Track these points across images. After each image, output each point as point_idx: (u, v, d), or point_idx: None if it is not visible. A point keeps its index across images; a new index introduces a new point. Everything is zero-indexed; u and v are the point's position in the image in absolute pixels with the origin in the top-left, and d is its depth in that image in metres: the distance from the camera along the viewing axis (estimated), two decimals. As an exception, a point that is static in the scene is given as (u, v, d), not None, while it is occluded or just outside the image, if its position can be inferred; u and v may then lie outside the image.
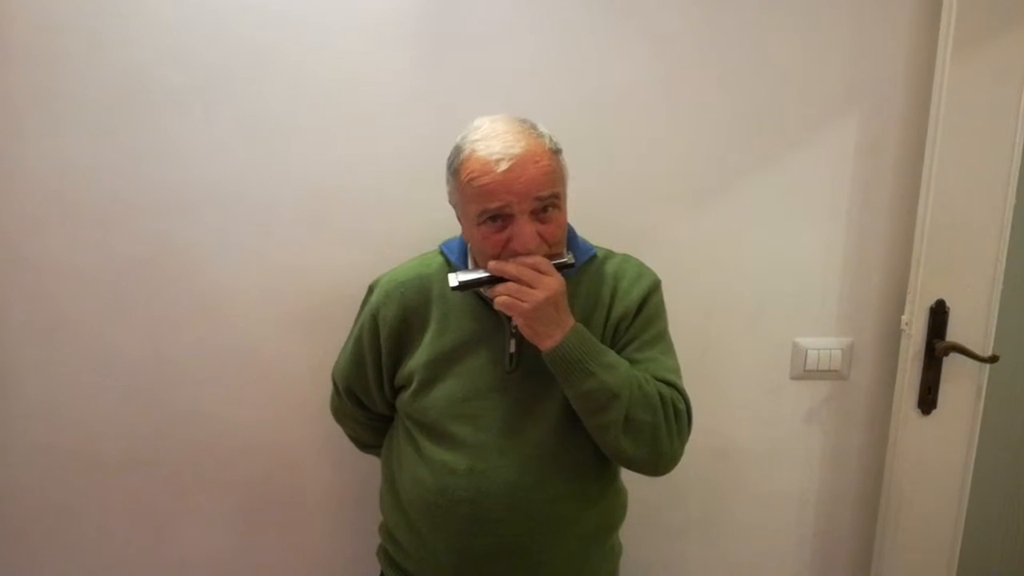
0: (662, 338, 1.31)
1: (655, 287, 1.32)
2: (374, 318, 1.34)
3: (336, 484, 1.68)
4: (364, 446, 1.54)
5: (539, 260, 1.16)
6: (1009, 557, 1.82)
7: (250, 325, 1.59)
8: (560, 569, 1.29)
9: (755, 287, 1.66)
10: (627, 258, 1.36)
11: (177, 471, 1.65)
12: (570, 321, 1.17)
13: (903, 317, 1.63)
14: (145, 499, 1.66)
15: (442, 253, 1.36)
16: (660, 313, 1.32)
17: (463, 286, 1.19)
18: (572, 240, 1.32)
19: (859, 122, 1.59)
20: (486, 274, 1.18)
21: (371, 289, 1.38)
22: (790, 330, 1.68)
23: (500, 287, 1.16)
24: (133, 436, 1.62)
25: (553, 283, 1.14)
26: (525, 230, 1.15)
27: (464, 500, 1.24)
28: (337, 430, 1.54)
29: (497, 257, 1.18)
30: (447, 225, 1.34)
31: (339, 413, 1.50)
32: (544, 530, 1.26)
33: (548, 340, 1.16)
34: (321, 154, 1.53)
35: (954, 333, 1.58)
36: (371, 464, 1.58)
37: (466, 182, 1.17)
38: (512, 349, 1.26)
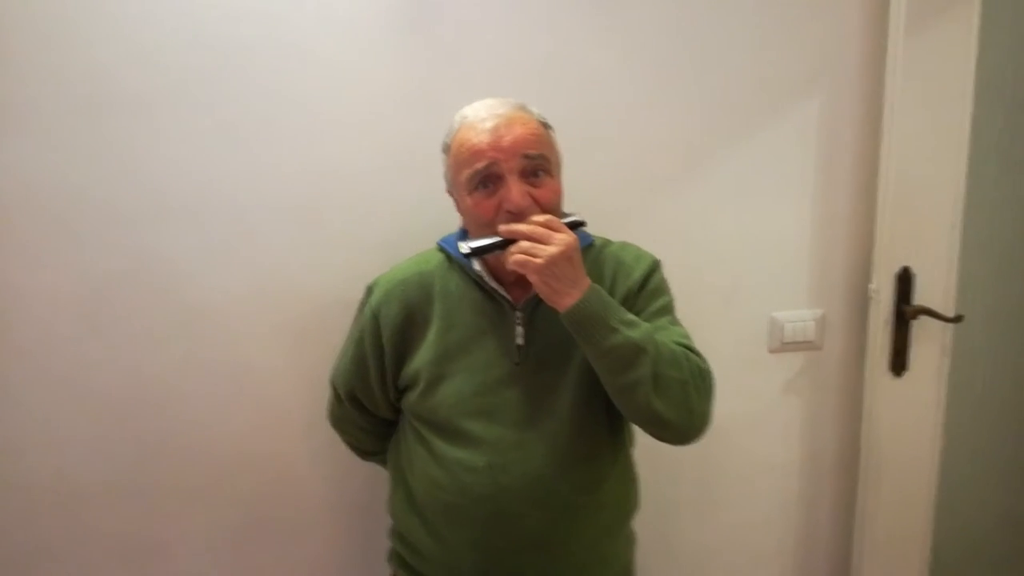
0: (669, 310, 1.31)
1: (656, 266, 1.34)
2: (375, 319, 1.32)
3: (336, 493, 1.65)
4: (365, 453, 1.52)
5: (551, 218, 1.15)
6: (981, 504, 1.92)
7: (237, 336, 1.55)
8: (582, 559, 1.30)
9: (730, 266, 1.71)
10: (625, 244, 1.38)
11: (165, 496, 1.59)
12: (587, 280, 1.15)
13: (871, 285, 1.71)
14: (131, 530, 1.59)
15: (441, 249, 1.35)
16: (664, 289, 1.33)
17: (475, 252, 1.18)
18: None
19: (820, 102, 1.65)
20: (498, 238, 1.16)
21: (370, 290, 1.36)
22: (766, 305, 1.74)
23: (513, 247, 1.13)
24: (115, 462, 1.56)
25: (567, 238, 1.12)
26: (514, 188, 1.16)
27: (485, 497, 1.24)
28: (335, 438, 1.51)
29: (491, 224, 1.18)
30: (437, 226, 1.35)
31: (340, 420, 1.47)
32: (565, 521, 1.26)
33: (566, 298, 1.13)
34: (304, 156, 1.50)
35: (920, 297, 1.67)
36: (370, 470, 1.56)
37: (456, 150, 1.21)
38: (520, 340, 1.26)
